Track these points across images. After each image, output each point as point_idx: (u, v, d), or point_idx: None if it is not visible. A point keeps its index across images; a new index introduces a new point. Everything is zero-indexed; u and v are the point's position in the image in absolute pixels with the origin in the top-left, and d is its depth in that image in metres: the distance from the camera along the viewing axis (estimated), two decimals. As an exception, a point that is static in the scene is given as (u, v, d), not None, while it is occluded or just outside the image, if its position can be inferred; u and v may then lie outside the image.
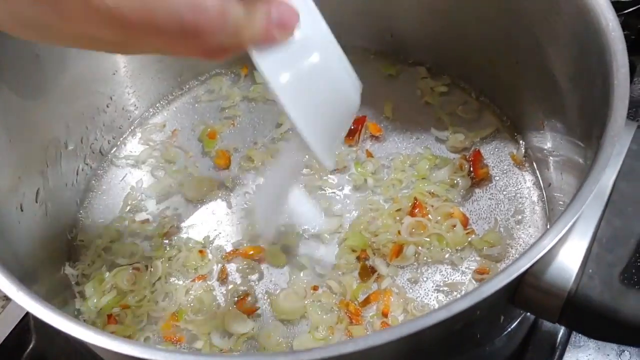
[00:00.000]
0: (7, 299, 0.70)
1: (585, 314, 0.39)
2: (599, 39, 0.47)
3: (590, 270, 0.39)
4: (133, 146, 0.70)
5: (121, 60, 0.67)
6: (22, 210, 0.56)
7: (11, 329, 0.66)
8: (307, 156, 0.65)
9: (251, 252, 0.61)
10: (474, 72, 0.69)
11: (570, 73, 0.53)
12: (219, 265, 0.61)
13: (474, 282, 0.57)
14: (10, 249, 0.50)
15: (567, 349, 0.56)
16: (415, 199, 0.61)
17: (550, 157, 0.59)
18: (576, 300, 0.38)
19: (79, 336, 0.39)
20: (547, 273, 0.39)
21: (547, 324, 0.55)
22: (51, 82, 0.60)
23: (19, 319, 0.66)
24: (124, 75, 0.68)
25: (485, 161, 0.65)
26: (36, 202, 0.58)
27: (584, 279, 0.38)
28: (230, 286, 0.59)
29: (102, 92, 0.67)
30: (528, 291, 0.39)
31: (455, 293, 0.57)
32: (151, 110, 0.73)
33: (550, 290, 0.39)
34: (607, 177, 0.42)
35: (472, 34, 0.66)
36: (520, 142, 0.66)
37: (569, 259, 0.39)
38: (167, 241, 0.63)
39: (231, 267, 0.61)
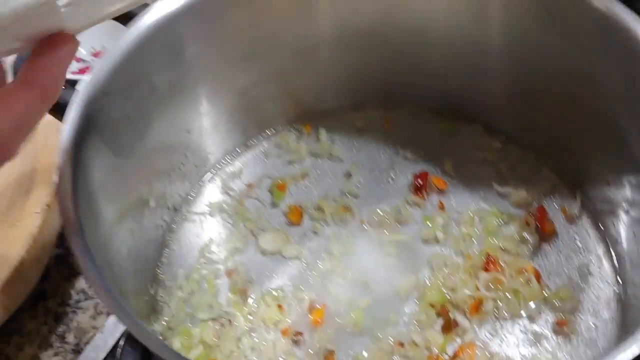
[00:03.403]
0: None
1: None
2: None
3: None
4: (205, 200, 0.72)
5: (195, 120, 0.69)
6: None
7: None
8: (379, 210, 0.69)
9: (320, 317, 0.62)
10: (530, 129, 0.72)
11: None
12: (299, 320, 0.62)
13: (555, 334, 0.60)
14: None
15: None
16: (488, 254, 0.64)
17: (621, 212, 0.63)
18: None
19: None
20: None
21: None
22: (139, 141, 0.62)
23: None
24: (197, 133, 0.70)
25: (549, 217, 0.68)
26: (128, 258, 0.60)
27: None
28: (310, 350, 0.60)
29: (178, 149, 0.69)
30: None
31: (539, 346, 0.59)
32: (221, 163, 0.74)
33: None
34: None
35: (531, 94, 0.69)
36: (578, 198, 0.68)
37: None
38: (242, 297, 0.64)
39: (306, 327, 0.62)
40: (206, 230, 0.70)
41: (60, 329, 0.69)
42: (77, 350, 0.68)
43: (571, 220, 0.68)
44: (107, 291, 0.43)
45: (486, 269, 0.63)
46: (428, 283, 0.63)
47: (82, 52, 0.91)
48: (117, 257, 0.56)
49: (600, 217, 0.66)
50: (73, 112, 0.52)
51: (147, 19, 0.58)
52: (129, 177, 0.61)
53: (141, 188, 0.64)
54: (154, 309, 0.64)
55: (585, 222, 0.67)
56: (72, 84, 0.78)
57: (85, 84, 0.53)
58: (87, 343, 0.67)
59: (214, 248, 0.68)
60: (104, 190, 0.56)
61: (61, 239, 0.69)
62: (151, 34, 0.58)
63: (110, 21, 0.80)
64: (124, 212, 0.60)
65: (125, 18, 0.58)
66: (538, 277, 0.63)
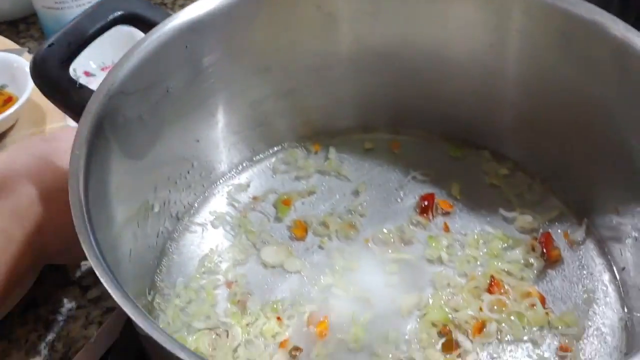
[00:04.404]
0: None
1: None
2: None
3: None
4: (209, 210, 0.72)
5: (205, 129, 0.70)
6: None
7: None
8: (384, 229, 0.69)
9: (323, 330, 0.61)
10: (539, 157, 0.72)
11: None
12: (298, 333, 0.61)
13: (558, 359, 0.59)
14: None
15: None
16: (492, 276, 0.63)
17: (628, 240, 0.62)
18: None
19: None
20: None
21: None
22: (150, 144, 0.62)
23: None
24: (206, 143, 0.71)
25: (555, 242, 0.67)
26: (129, 262, 0.59)
27: None
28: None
29: (186, 158, 0.69)
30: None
31: (541, 371, 0.58)
32: (228, 176, 0.75)
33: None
34: None
35: (542, 123, 0.69)
36: (583, 225, 0.68)
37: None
38: (241, 308, 0.63)
39: (305, 341, 0.61)
40: (207, 241, 0.70)
41: (50, 337, 0.68)
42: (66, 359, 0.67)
43: (575, 246, 0.67)
44: (117, 287, 0.42)
45: (490, 291, 0.62)
46: (430, 302, 0.62)
47: (91, 65, 0.92)
48: (122, 260, 0.56)
49: (606, 244, 0.66)
50: (91, 108, 0.52)
51: (170, 25, 0.59)
52: (137, 181, 0.61)
53: (148, 192, 0.64)
54: (150, 316, 0.63)
55: (591, 249, 0.67)
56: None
57: (104, 82, 0.53)
58: (76, 352, 0.66)
59: (214, 259, 0.68)
60: (113, 191, 0.56)
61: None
62: (171, 40, 0.59)
63: (122, 36, 0.82)
64: (131, 215, 0.60)
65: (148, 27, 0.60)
66: (543, 302, 0.62)
